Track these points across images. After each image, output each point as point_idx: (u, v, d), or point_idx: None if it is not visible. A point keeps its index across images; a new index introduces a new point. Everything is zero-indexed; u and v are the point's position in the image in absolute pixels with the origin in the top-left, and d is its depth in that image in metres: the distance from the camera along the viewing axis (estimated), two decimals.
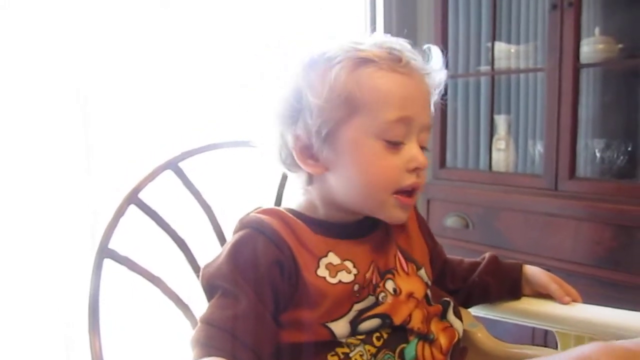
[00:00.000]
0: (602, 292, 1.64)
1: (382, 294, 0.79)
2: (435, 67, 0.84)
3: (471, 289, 0.98)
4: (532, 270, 0.99)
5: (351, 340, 0.76)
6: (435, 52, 0.84)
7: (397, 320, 0.79)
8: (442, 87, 0.86)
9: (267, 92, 0.83)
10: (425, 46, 0.84)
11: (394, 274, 0.82)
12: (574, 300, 0.96)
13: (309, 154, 0.80)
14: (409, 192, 0.80)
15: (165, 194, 1.10)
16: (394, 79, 0.78)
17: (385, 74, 0.78)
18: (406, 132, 0.78)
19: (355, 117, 0.77)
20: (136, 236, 1.22)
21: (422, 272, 0.87)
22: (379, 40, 0.81)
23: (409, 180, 0.79)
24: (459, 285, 0.98)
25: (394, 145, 0.78)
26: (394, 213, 0.81)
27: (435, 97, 0.85)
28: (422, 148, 0.81)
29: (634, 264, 1.60)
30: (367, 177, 0.78)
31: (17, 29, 1.60)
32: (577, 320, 0.93)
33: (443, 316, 0.86)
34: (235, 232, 0.80)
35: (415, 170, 0.79)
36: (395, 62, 0.78)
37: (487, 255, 1.01)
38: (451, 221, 2.10)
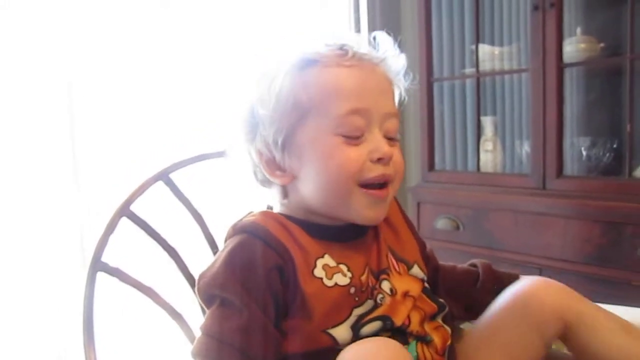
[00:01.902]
0: (592, 289, 1.65)
1: (380, 296, 0.79)
2: (388, 53, 0.82)
3: (471, 305, 0.93)
4: None
5: None
6: (383, 39, 0.82)
7: (398, 321, 0.78)
8: (403, 72, 0.83)
9: (231, 113, 0.83)
10: (372, 34, 0.82)
11: (388, 274, 0.81)
12: None
13: (275, 166, 0.80)
14: (379, 185, 0.78)
15: (156, 206, 1.10)
16: (340, 74, 0.77)
17: (331, 70, 0.77)
18: (365, 123, 0.77)
19: (307, 120, 0.77)
20: (129, 249, 1.22)
21: (414, 270, 0.86)
22: (330, 38, 0.80)
23: (375, 171, 0.77)
24: (454, 298, 0.93)
25: (353, 139, 0.76)
26: (365, 212, 0.78)
27: (400, 84, 0.84)
28: (391, 139, 0.79)
29: (622, 260, 1.62)
30: (328, 171, 0.76)
31: (7, 32, 1.60)
32: None
33: (433, 317, 0.85)
34: (228, 238, 0.79)
35: (380, 161, 0.77)
36: (341, 56, 0.77)
37: (479, 264, 0.96)
38: (441, 223, 2.11)
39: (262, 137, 0.79)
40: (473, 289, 0.94)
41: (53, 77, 1.68)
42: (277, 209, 0.85)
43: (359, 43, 0.80)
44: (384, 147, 0.77)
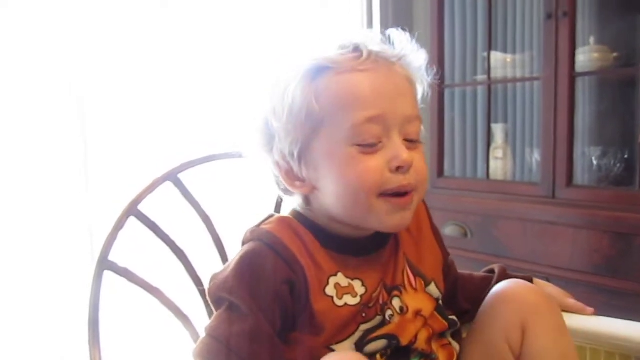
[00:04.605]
0: (600, 300, 1.64)
1: (389, 312, 0.78)
2: (405, 50, 0.79)
3: None
4: (542, 285, 0.96)
5: None
6: (398, 36, 0.79)
7: (404, 340, 0.77)
8: (424, 67, 0.80)
9: (245, 124, 0.82)
10: (386, 32, 0.80)
11: (401, 291, 0.80)
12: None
13: (294, 177, 0.78)
14: (399, 194, 0.75)
15: (164, 206, 1.11)
16: (353, 80, 0.74)
17: (344, 77, 0.74)
18: (382, 130, 0.74)
19: (322, 130, 0.74)
20: (136, 248, 1.23)
21: (432, 287, 0.84)
22: (344, 40, 0.77)
23: (394, 181, 0.74)
24: (472, 304, 0.93)
25: (370, 147, 0.74)
26: (389, 220, 0.75)
27: (423, 80, 0.81)
28: (413, 141, 0.76)
29: (632, 271, 1.60)
30: (346, 184, 0.74)
31: (13, 36, 1.61)
32: (608, 336, 0.91)
33: (442, 334, 0.84)
34: (245, 242, 0.78)
35: (399, 169, 0.74)
36: (355, 59, 0.75)
37: (496, 268, 0.97)
38: (450, 230, 2.10)
39: (279, 150, 0.78)
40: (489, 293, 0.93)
41: (63, 78, 1.70)
42: (300, 210, 0.83)
43: (375, 41, 0.77)
44: (403, 155, 0.74)
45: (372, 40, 0.77)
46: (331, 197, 0.77)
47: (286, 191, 0.82)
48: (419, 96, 0.82)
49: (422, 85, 0.82)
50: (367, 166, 0.73)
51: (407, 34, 0.80)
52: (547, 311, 0.82)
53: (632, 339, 0.89)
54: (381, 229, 0.78)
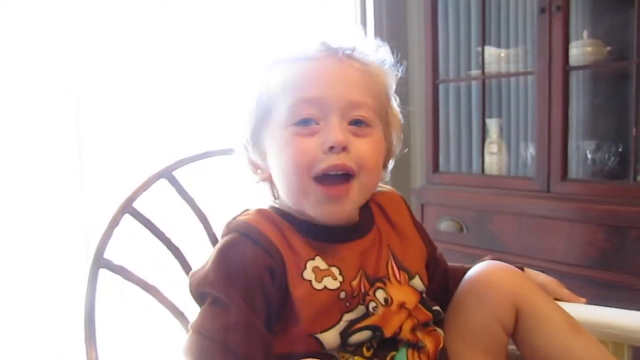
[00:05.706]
0: (595, 293, 1.64)
1: (373, 304, 0.78)
2: (357, 43, 0.80)
3: None
4: (534, 274, 0.97)
5: (341, 352, 0.75)
6: (353, 30, 0.84)
7: (388, 332, 0.78)
8: (387, 59, 0.83)
9: (231, 126, 0.86)
10: (343, 24, 0.84)
11: (385, 283, 0.80)
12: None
13: (255, 165, 0.83)
14: (337, 178, 0.76)
15: (159, 203, 1.11)
16: (298, 67, 0.78)
17: (290, 66, 0.78)
18: (319, 113, 0.76)
19: (268, 117, 0.79)
20: (131, 246, 1.23)
21: (415, 281, 0.84)
22: (306, 35, 0.82)
23: (327, 161, 0.74)
24: None
25: (304, 126, 0.75)
26: (320, 209, 0.77)
27: (385, 74, 0.82)
28: (361, 124, 0.77)
29: (626, 264, 1.61)
30: (282, 166, 0.77)
31: (12, 36, 1.61)
32: (601, 324, 0.91)
33: (427, 323, 0.84)
34: (223, 236, 0.79)
35: (332, 150, 0.74)
36: (306, 50, 0.79)
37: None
38: (445, 225, 2.10)
39: (242, 140, 0.82)
40: None
41: (57, 77, 1.69)
42: (274, 205, 0.85)
43: (335, 36, 0.80)
44: (336, 136, 0.74)
45: (331, 35, 0.80)
46: (277, 182, 0.80)
47: (258, 181, 0.85)
48: (392, 90, 0.85)
49: (385, 78, 0.83)
50: (301, 147, 0.75)
51: (360, 28, 0.84)
52: (534, 285, 0.86)
53: (624, 327, 0.89)
54: (317, 217, 0.78)
